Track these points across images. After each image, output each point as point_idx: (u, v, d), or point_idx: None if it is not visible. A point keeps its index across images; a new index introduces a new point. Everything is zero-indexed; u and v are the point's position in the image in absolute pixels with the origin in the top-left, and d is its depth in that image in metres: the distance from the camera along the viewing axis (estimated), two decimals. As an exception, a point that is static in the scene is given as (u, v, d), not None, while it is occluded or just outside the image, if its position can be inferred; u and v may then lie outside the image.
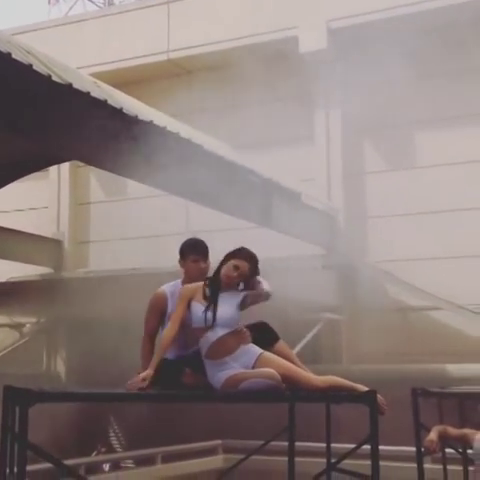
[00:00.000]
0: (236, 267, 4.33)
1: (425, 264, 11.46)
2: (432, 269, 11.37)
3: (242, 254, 4.42)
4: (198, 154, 7.83)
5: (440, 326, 11.37)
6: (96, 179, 13.89)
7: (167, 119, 8.02)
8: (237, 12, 12.54)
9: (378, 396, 4.27)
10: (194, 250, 4.67)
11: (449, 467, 6.56)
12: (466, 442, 5.65)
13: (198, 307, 4.25)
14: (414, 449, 6.03)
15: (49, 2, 19.00)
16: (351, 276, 11.83)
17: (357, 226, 12.13)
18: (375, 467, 4.17)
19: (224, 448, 9.75)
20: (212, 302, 4.24)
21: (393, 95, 11.47)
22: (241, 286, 4.40)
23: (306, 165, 12.16)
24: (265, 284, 4.48)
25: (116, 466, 10.06)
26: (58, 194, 14.16)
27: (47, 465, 4.83)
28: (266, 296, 4.47)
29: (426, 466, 6.14)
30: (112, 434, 12.41)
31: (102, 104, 6.32)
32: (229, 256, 4.40)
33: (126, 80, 12.13)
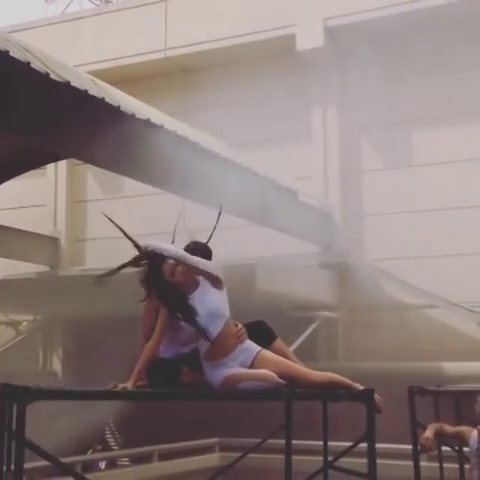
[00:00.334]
0: (171, 274, 4.24)
1: (421, 262, 11.48)
2: (428, 267, 11.39)
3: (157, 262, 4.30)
4: (195, 152, 7.83)
5: (436, 324, 11.40)
6: (93, 177, 13.88)
7: (164, 117, 8.01)
8: (234, 10, 12.54)
9: (375, 395, 4.29)
10: (197, 253, 4.65)
11: (445, 465, 6.58)
12: (462, 440, 5.67)
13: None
14: (410, 447, 6.04)
15: (46, 0, 18.94)
16: (347, 274, 11.86)
17: (354, 224, 12.15)
18: (372, 465, 4.18)
19: (221, 446, 9.77)
20: (185, 314, 4.17)
21: (390, 93, 11.48)
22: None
23: (303, 163, 12.17)
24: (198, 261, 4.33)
25: (112, 464, 10.07)
26: (55, 192, 14.15)
27: (43, 463, 4.85)
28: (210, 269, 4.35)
29: (422, 464, 6.15)
30: (108, 432, 12.42)
31: (99, 102, 6.31)
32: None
33: (123, 78, 12.11)
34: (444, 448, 6.33)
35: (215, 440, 9.81)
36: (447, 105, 11.61)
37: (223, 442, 9.74)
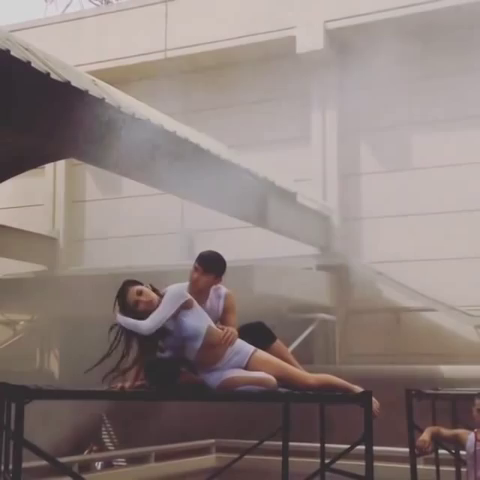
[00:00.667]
0: (139, 295, 4.18)
1: (419, 265, 11.50)
2: (425, 270, 11.41)
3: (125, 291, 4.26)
4: (195, 153, 7.83)
5: (433, 327, 11.42)
6: (92, 177, 13.88)
7: (164, 118, 8.02)
8: (235, 12, 12.55)
9: (373, 399, 4.29)
10: (200, 260, 4.65)
11: (442, 468, 6.59)
12: (459, 443, 5.69)
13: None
14: (407, 449, 6.05)
15: (46, 0, 18.92)
16: (345, 276, 11.87)
17: (352, 227, 12.16)
18: (369, 467, 4.19)
19: (217, 447, 9.76)
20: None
21: (389, 96, 11.50)
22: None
23: (302, 165, 12.19)
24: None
25: (108, 464, 10.06)
26: (54, 192, 14.14)
27: (38, 463, 4.85)
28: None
29: (419, 467, 6.16)
30: (104, 432, 12.41)
31: (100, 102, 6.31)
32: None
33: (123, 78, 12.12)
34: (441, 451, 6.34)
35: (211, 441, 9.81)
36: (446, 108, 11.64)
37: (220, 443, 9.74)
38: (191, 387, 4.24)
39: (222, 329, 4.27)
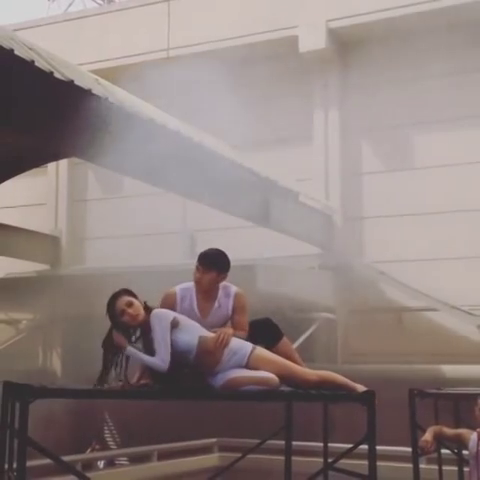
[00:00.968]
0: (128, 306, 4.20)
1: (421, 265, 11.50)
2: (427, 270, 11.41)
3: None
4: (197, 152, 7.84)
5: (435, 327, 11.41)
6: (94, 176, 13.88)
7: (167, 117, 8.02)
8: (237, 11, 12.55)
9: None
10: (199, 259, 4.64)
11: (444, 467, 6.59)
12: (461, 442, 5.69)
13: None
14: (410, 449, 6.05)
15: (48, -2, 18.96)
16: (347, 276, 11.87)
17: (354, 226, 12.16)
18: (372, 467, 4.19)
19: (220, 446, 9.76)
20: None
21: (392, 96, 11.49)
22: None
23: (304, 165, 12.18)
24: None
25: (111, 463, 10.06)
26: (56, 191, 14.15)
27: (42, 461, 4.85)
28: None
29: (422, 466, 6.16)
30: (107, 431, 12.42)
31: (103, 101, 6.32)
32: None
33: (126, 77, 12.11)
34: (443, 451, 6.34)
35: (214, 440, 9.81)
36: (449, 108, 11.63)
37: (222, 442, 9.73)
38: (194, 386, 4.25)
39: (215, 332, 4.26)
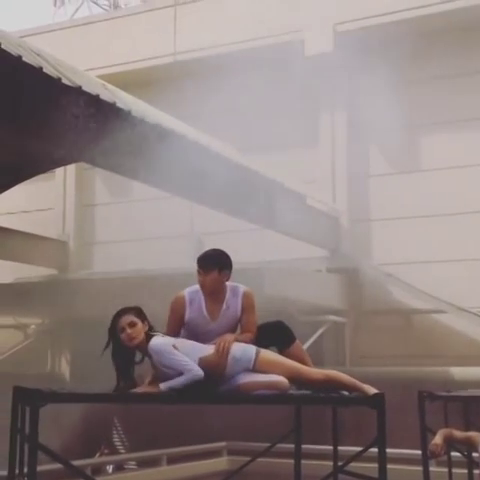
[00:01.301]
0: (130, 326, 4.22)
1: (429, 267, 11.47)
2: (436, 272, 11.38)
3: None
4: (204, 156, 7.86)
5: (444, 329, 11.38)
6: (101, 181, 13.91)
7: (174, 121, 8.05)
8: (243, 15, 12.55)
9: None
10: (198, 263, 4.64)
11: (454, 470, 6.57)
12: (471, 445, 5.67)
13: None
14: (419, 452, 6.04)
15: (55, 5, 19.02)
16: (355, 279, 11.86)
17: (361, 228, 12.14)
18: (382, 470, 4.18)
19: (229, 450, 9.75)
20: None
21: (398, 98, 11.48)
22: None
23: (311, 167, 12.18)
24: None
25: (119, 468, 10.07)
26: (64, 196, 14.19)
27: (51, 466, 4.87)
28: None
29: (431, 469, 6.14)
30: (115, 435, 12.43)
31: (111, 107, 6.35)
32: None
33: (133, 82, 12.15)
34: (453, 453, 6.32)
35: (223, 444, 9.80)
36: (456, 110, 11.61)
37: (231, 446, 9.73)
38: (203, 390, 4.26)
39: (214, 343, 4.25)
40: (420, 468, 6.06)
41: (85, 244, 14.02)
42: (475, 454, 5.80)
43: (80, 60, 10.54)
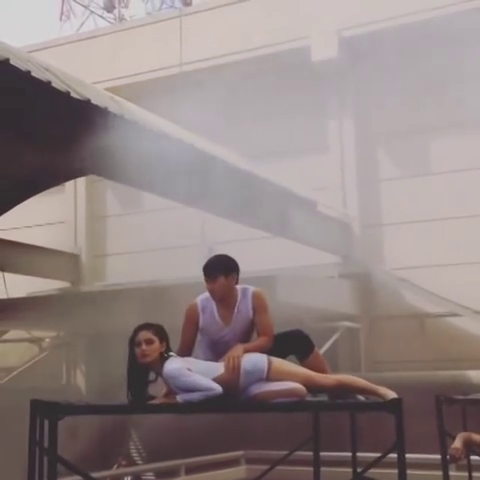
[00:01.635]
0: (147, 344, 4.23)
1: (442, 270, 11.42)
2: (449, 275, 11.33)
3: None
4: (213, 165, 7.87)
5: (459, 332, 11.32)
6: (112, 192, 13.96)
7: (182, 132, 8.07)
8: (248, 23, 12.61)
9: None
10: (203, 271, 4.63)
11: (474, 474, 6.52)
12: (491, 448, 5.63)
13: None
14: (438, 456, 5.99)
15: (60, 19, 19.17)
16: (368, 284, 11.82)
17: (373, 234, 12.11)
18: (402, 475, 4.16)
19: (246, 459, 9.73)
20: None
21: (406, 102, 11.48)
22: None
23: (320, 174, 12.17)
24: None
25: (138, 479, 10.07)
26: (75, 208, 14.24)
27: (69, 479, 4.87)
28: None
29: (451, 473, 6.10)
30: (132, 447, 12.43)
31: (119, 119, 6.38)
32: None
33: (139, 94, 12.21)
34: (473, 457, 6.27)
35: (241, 453, 9.78)
36: (464, 113, 11.57)
37: (249, 455, 9.70)
38: (219, 399, 4.25)
39: (223, 360, 4.24)
40: (440, 473, 6.01)
41: (97, 256, 14.06)
42: (495, 457, 5.75)
43: (86, 73, 10.60)
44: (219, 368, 4.20)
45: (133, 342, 4.22)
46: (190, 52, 13.01)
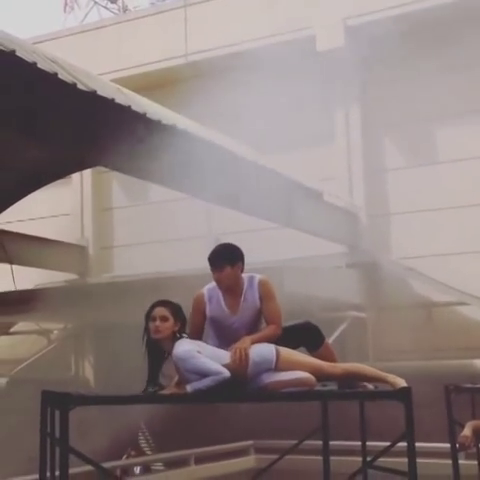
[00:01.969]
0: (162, 320, 4.25)
1: (449, 259, 11.40)
2: (456, 264, 11.31)
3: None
4: (220, 156, 7.86)
5: (466, 321, 11.31)
6: (118, 184, 13.97)
7: (188, 122, 8.06)
8: (253, 13, 12.57)
9: None
10: (209, 261, 4.63)
11: (484, 462, 6.52)
12: (500, 437, 5.63)
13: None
14: (447, 445, 6.01)
15: (64, 10, 19.13)
16: (375, 274, 11.81)
17: (380, 223, 12.10)
18: (412, 464, 4.17)
19: (256, 448, 9.76)
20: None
21: (413, 91, 11.43)
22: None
23: (327, 164, 12.15)
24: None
25: (146, 469, 10.12)
26: (81, 200, 14.26)
27: (81, 469, 4.90)
28: None
29: (460, 462, 6.11)
30: (141, 438, 12.49)
31: (126, 110, 6.37)
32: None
33: (145, 85, 12.19)
34: (482, 446, 6.27)
35: (250, 442, 9.82)
36: (471, 101, 11.52)
37: (258, 444, 9.74)
38: (230, 390, 4.26)
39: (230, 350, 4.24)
40: (449, 461, 6.02)
41: (104, 248, 14.08)
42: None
43: (91, 65, 10.59)
44: (228, 356, 4.21)
45: (149, 316, 4.22)
46: (195, 42, 12.98)
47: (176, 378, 4.24)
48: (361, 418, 5.25)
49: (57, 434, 3.86)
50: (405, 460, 4.19)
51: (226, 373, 4.04)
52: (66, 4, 18.57)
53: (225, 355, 4.20)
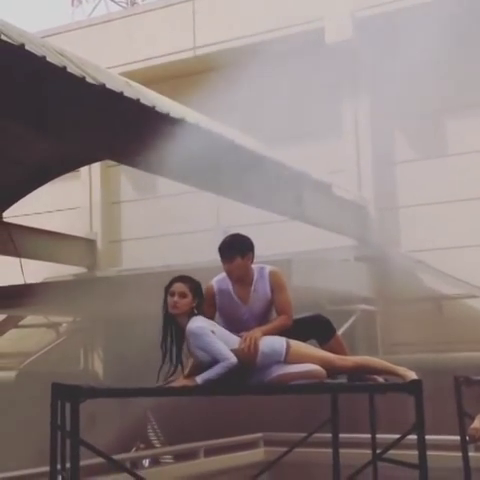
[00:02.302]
0: (180, 296, 4.27)
1: (458, 252, 11.37)
2: (465, 257, 11.28)
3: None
4: (229, 149, 7.85)
5: (476, 314, 11.28)
6: (127, 178, 13.98)
7: (198, 116, 8.05)
8: (261, 6, 12.52)
9: None
10: (219, 252, 4.63)
11: (493, 455, 6.53)
12: (510, 429, 5.61)
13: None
14: (457, 437, 6.00)
15: (72, 4, 19.16)
16: (384, 267, 11.79)
17: (388, 216, 12.07)
18: (422, 456, 4.16)
19: (265, 441, 9.78)
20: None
21: (422, 83, 11.36)
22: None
23: (336, 156, 12.12)
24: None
25: (155, 462, 10.15)
26: (90, 194, 14.28)
27: (91, 461, 4.92)
28: None
29: (470, 454, 6.11)
30: (150, 430, 12.53)
31: (134, 103, 6.37)
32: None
33: (153, 78, 12.18)
34: (492, 438, 6.26)
35: (259, 435, 9.83)
36: (480, 92, 11.47)
37: (267, 437, 9.75)
38: (240, 382, 4.27)
39: (240, 337, 4.25)
40: (459, 453, 6.02)
41: (113, 241, 14.11)
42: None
43: (100, 58, 10.59)
44: (237, 341, 4.24)
45: (167, 291, 4.23)
46: (203, 36, 12.95)
47: (186, 370, 4.24)
48: (371, 411, 5.25)
49: (67, 427, 3.87)
50: (415, 452, 4.19)
51: (233, 359, 4.05)
52: (74, -2, 18.60)
53: (235, 340, 4.22)
